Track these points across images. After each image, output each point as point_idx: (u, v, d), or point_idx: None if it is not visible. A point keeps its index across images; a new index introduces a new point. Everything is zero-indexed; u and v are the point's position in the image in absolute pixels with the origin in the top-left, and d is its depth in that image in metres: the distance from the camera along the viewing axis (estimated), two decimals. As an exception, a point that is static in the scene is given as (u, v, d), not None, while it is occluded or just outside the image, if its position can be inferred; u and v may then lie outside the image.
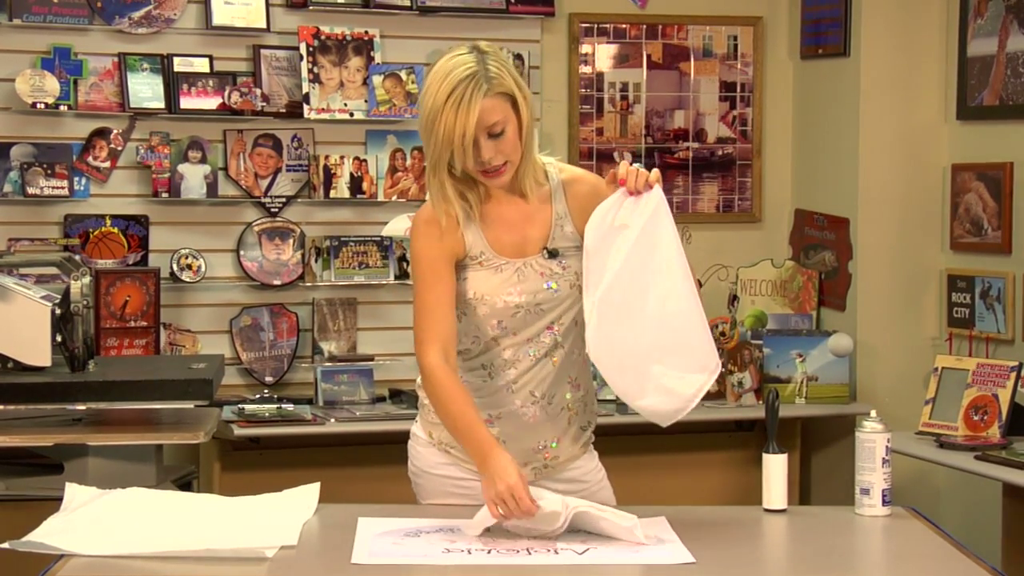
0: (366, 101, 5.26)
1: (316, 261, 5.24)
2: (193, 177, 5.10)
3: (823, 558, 2.71)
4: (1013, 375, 4.60)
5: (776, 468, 2.98)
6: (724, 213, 5.74)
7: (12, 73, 4.92)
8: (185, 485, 3.79)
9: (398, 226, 5.33)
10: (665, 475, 5.22)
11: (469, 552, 2.62)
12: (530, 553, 2.62)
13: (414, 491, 3.09)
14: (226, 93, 5.12)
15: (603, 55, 5.61)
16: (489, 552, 2.62)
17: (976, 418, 4.64)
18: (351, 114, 5.26)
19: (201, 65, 5.14)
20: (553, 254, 2.92)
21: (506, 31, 5.42)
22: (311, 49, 5.22)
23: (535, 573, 2.54)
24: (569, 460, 3.03)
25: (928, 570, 2.65)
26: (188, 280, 5.12)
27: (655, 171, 2.81)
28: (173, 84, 5.09)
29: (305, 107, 5.20)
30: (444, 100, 2.76)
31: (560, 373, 2.96)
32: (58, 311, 3.60)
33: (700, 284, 5.31)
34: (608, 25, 5.61)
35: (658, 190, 2.79)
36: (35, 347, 3.60)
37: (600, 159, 5.60)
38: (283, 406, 4.95)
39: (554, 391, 2.97)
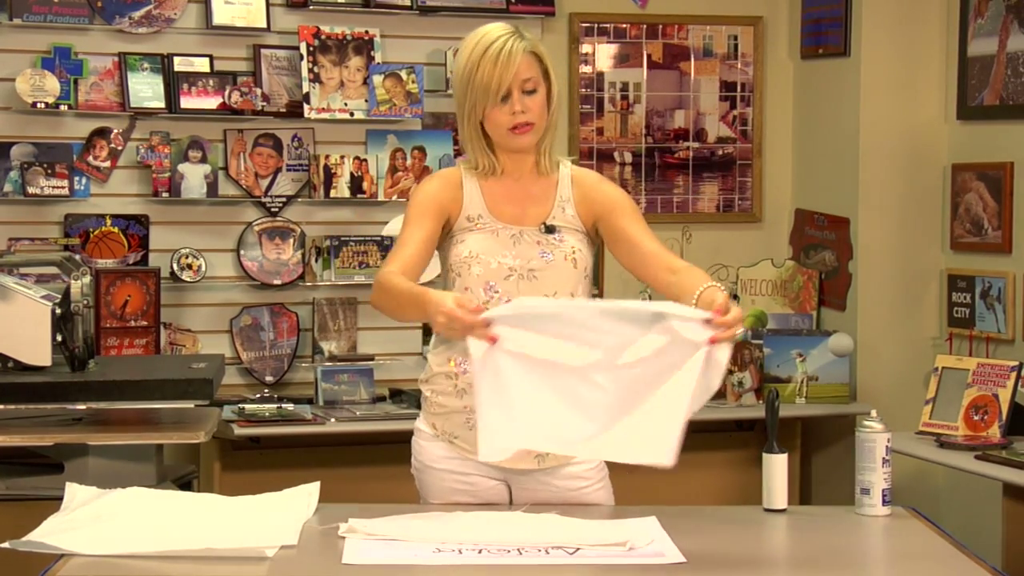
0: (366, 101, 5.26)
1: (316, 261, 5.24)
2: (193, 177, 5.10)
3: (823, 558, 2.71)
4: (1013, 375, 4.60)
5: (776, 468, 2.98)
6: (724, 213, 5.74)
7: (12, 73, 4.93)
8: (185, 485, 3.79)
9: (398, 226, 5.34)
10: (664, 475, 5.17)
11: (460, 552, 2.61)
12: (521, 553, 2.61)
13: (417, 488, 3.10)
14: (226, 93, 5.12)
15: (603, 55, 5.61)
16: (480, 552, 2.62)
17: (976, 418, 4.64)
18: (351, 114, 5.26)
19: (201, 65, 5.14)
20: (551, 230, 3.00)
21: (506, 31, 5.42)
22: (311, 49, 5.22)
23: (526, 573, 2.54)
24: None
25: (928, 570, 2.65)
26: (188, 280, 5.12)
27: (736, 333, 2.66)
28: (173, 84, 5.09)
29: (305, 107, 5.20)
30: (483, 52, 2.92)
31: None
32: (58, 311, 3.60)
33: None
34: (608, 25, 5.61)
35: (722, 352, 2.62)
36: (35, 347, 3.60)
37: (600, 159, 5.60)
38: (283, 406, 4.95)
39: None
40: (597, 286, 5.25)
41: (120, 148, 5.09)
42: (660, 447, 2.63)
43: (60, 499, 2.88)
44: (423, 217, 2.99)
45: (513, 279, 2.95)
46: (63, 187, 4.96)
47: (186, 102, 5.10)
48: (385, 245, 5.26)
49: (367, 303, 5.32)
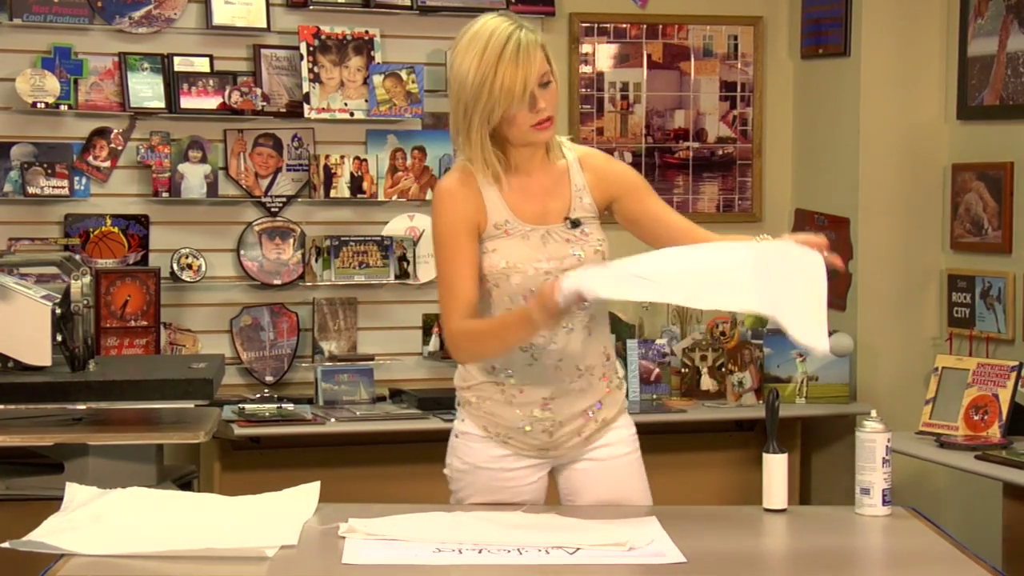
0: (366, 101, 5.26)
1: (316, 261, 5.24)
2: (193, 177, 5.10)
3: (823, 558, 2.71)
4: (1013, 375, 4.60)
5: (776, 468, 2.98)
6: (724, 213, 5.73)
7: (12, 73, 4.93)
8: (185, 485, 3.79)
9: (398, 226, 5.34)
10: (665, 475, 5.17)
11: (460, 552, 2.61)
12: (521, 553, 2.62)
13: (453, 489, 3.10)
14: (226, 93, 5.12)
15: (603, 55, 5.61)
16: (480, 552, 2.62)
17: (976, 418, 4.64)
18: (351, 114, 5.26)
19: (201, 65, 5.14)
20: (575, 223, 2.98)
21: (506, 31, 5.42)
22: (311, 49, 5.22)
23: (526, 573, 2.54)
24: (614, 419, 3.09)
25: (928, 570, 2.65)
26: (188, 280, 5.12)
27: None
28: (173, 84, 5.09)
29: (305, 107, 5.20)
30: (498, 55, 2.83)
31: (594, 343, 3.03)
32: (58, 311, 3.60)
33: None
34: (608, 25, 5.61)
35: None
36: (35, 347, 3.60)
37: (600, 159, 5.59)
38: (283, 406, 4.95)
39: (592, 362, 3.03)
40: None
41: (120, 148, 5.09)
42: (815, 331, 2.69)
43: (60, 499, 2.88)
44: (459, 242, 2.93)
45: (549, 282, 2.95)
46: (63, 187, 4.96)
47: (186, 102, 5.10)
48: (385, 245, 5.27)
49: (367, 303, 5.35)
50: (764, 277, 2.71)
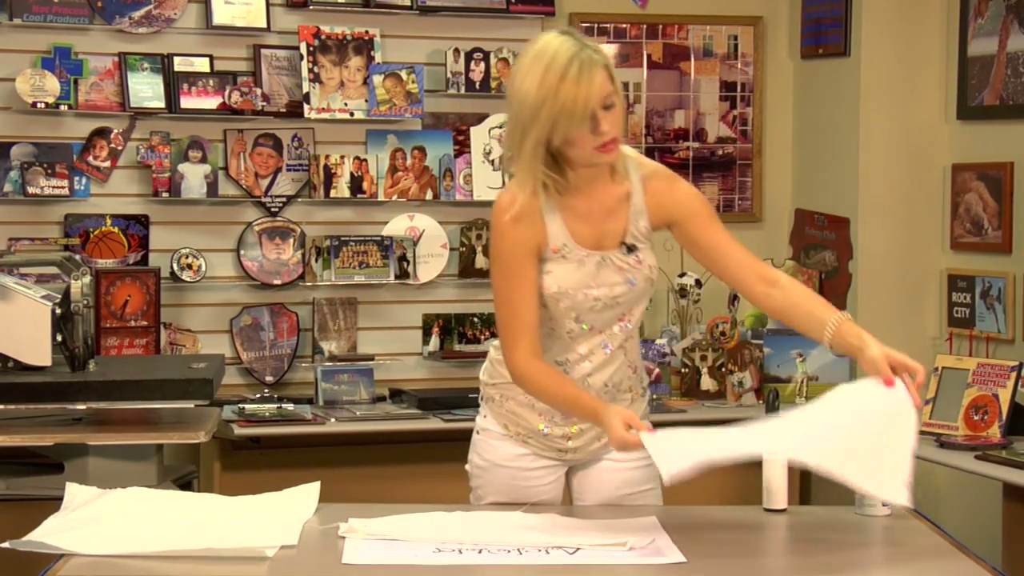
0: (366, 101, 5.26)
1: (316, 261, 5.24)
2: (193, 177, 5.10)
3: (823, 558, 2.71)
4: (1013, 375, 4.60)
5: (776, 468, 2.98)
6: (724, 213, 5.73)
7: (12, 73, 4.92)
8: (185, 485, 3.80)
9: (398, 226, 5.34)
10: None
11: (460, 552, 2.62)
12: (521, 553, 2.62)
13: (472, 486, 3.11)
14: (226, 93, 5.12)
15: (603, 55, 5.60)
16: (480, 552, 2.62)
17: (976, 418, 4.64)
18: (351, 114, 5.26)
19: (201, 65, 5.14)
20: (631, 249, 2.95)
21: (506, 31, 5.43)
22: (311, 49, 5.22)
23: (525, 573, 2.54)
24: None
25: (928, 570, 2.65)
26: (188, 280, 5.12)
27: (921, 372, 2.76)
28: (173, 84, 5.09)
29: (305, 107, 5.20)
30: (559, 77, 2.74)
31: (626, 361, 3.03)
32: (58, 311, 3.60)
33: (700, 284, 5.37)
34: (608, 25, 5.61)
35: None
36: (35, 347, 3.60)
37: (600, 159, 5.59)
38: (283, 406, 4.95)
39: (620, 378, 3.03)
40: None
41: (120, 148, 5.09)
42: (892, 482, 2.67)
43: (60, 499, 2.88)
44: (522, 266, 2.90)
45: (598, 308, 2.95)
46: (63, 187, 4.96)
47: (186, 102, 5.10)
48: (385, 245, 5.26)
49: (367, 303, 5.35)
50: (847, 430, 2.70)
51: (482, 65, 5.36)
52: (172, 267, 5.11)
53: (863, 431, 2.69)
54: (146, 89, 5.08)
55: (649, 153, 5.65)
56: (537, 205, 2.88)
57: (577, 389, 2.91)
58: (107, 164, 5.07)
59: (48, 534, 2.66)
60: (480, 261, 5.39)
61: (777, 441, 2.71)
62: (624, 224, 2.95)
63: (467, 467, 3.14)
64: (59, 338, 3.61)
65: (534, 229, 2.89)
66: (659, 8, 5.65)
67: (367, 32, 5.29)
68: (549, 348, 2.98)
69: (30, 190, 4.93)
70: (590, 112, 2.77)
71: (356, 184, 5.24)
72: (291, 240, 5.25)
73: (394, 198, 5.32)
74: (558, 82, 2.75)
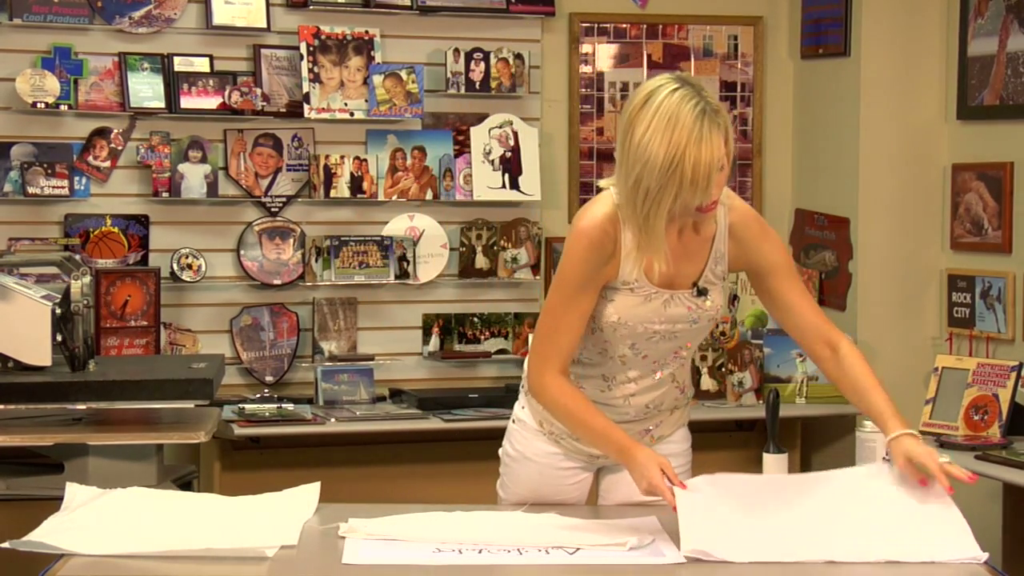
0: (366, 101, 5.26)
1: (316, 261, 5.24)
2: (193, 177, 5.10)
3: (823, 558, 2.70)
4: (1013, 375, 4.60)
5: (776, 468, 2.98)
6: (724, 213, 5.73)
7: (12, 73, 4.93)
8: (185, 485, 3.79)
9: (398, 226, 5.34)
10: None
11: (460, 552, 2.62)
12: (521, 553, 2.62)
13: (502, 474, 3.12)
14: (226, 93, 5.12)
15: (603, 55, 5.61)
16: (480, 552, 2.62)
17: (976, 418, 4.64)
18: (351, 114, 5.26)
19: (201, 65, 5.14)
20: (702, 292, 2.91)
21: (506, 31, 5.43)
22: (311, 49, 5.22)
23: (526, 573, 2.54)
24: (670, 435, 3.13)
25: (928, 570, 2.65)
26: (188, 280, 5.12)
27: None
28: (173, 84, 5.09)
29: (305, 107, 5.20)
30: (687, 138, 2.64)
31: (675, 385, 3.06)
32: (58, 311, 3.60)
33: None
34: (608, 25, 5.61)
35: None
36: (35, 347, 3.60)
37: (600, 159, 5.60)
38: (283, 406, 4.95)
39: (664, 399, 3.05)
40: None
41: (120, 148, 5.09)
42: (962, 542, 2.70)
43: (60, 499, 2.88)
44: (583, 296, 2.84)
45: (656, 339, 2.92)
46: (63, 187, 4.96)
47: (186, 102, 5.10)
48: (385, 245, 5.26)
49: (367, 303, 5.35)
50: (890, 515, 2.75)
51: (482, 65, 5.36)
52: (172, 267, 5.11)
53: (904, 508, 2.77)
54: (146, 89, 5.08)
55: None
56: (618, 232, 2.81)
57: (606, 421, 2.87)
58: (107, 164, 5.07)
59: (48, 534, 2.66)
60: (480, 261, 5.38)
61: (828, 546, 2.64)
62: (701, 268, 2.91)
63: (500, 451, 3.15)
64: (59, 338, 3.61)
65: (609, 263, 2.84)
66: (659, 8, 5.65)
67: (367, 32, 5.29)
68: (599, 364, 2.97)
69: (30, 190, 4.93)
70: (713, 172, 2.68)
71: (356, 184, 5.24)
72: (291, 240, 5.25)
73: (394, 198, 5.32)
74: (684, 144, 2.64)
